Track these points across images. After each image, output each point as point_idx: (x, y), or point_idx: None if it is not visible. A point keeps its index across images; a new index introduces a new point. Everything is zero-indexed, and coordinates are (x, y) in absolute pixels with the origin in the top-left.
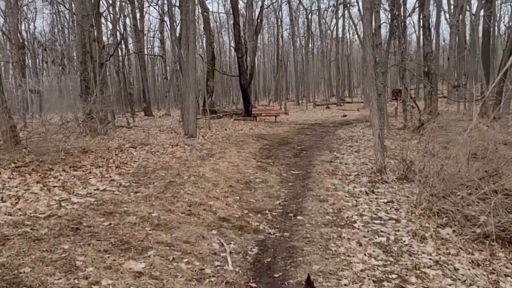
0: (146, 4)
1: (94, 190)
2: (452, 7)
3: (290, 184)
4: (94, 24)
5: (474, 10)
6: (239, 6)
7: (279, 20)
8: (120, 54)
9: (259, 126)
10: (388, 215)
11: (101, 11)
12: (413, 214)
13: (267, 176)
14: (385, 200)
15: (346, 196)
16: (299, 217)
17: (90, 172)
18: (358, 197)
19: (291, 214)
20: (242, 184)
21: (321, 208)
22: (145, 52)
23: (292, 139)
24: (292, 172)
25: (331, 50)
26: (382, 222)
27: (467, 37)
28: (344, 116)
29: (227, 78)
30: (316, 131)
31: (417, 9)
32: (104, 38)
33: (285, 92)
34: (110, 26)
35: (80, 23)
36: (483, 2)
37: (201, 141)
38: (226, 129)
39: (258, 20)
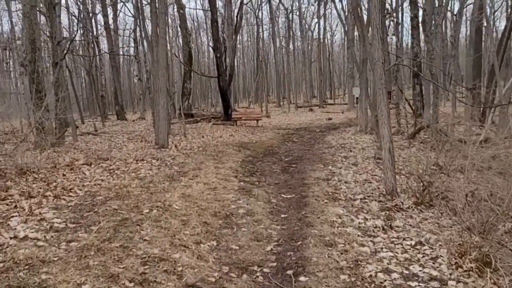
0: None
1: (10, 239)
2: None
3: (283, 216)
4: (47, 16)
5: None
6: (217, 5)
7: (258, 20)
8: (91, 54)
9: (240, 132)
10: (425, 271)
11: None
12: (459, 269)
13: (253, 203)
14: (412, 242)
15: (358, 235)
16: (301, 278)
17: (15, 207)
18: (375, 236)
19: (290, 272)
20: (221, 218)
21: (330, 260)
22: (119, 52)
23: (278, 148)
24: (283, 196)
25: (312, 50)
26: (420, 284)
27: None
28: (329, 119)
29: (206, 80)
30: (303, 137)
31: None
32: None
33: (266, 93)
34: (78, 23)
35: (28, 14)
36: None
37: (173, 152)
38: (203, 136)
39: (238, 17)
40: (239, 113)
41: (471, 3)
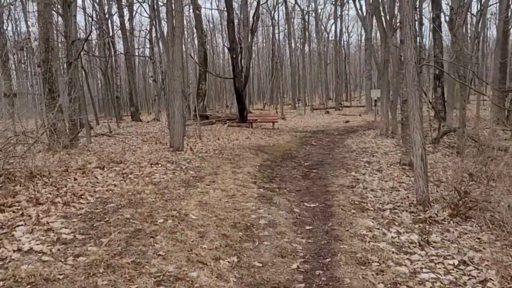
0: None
1: (13, 252)
2: None
3: (308, 227)
4: (61, 15)
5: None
6: (233, 6)
7: (274, 21)
8: (106, 55)
9: (256, 134)
10: None
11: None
12: None
13: (274, 213)
14: (454, 261)
15: (393, 252)
16: None
17: (22, 214)
18: (411, 253)
19: None
20: (241, 230)
21: (365, 282)
22: (135, 53)
23: (296, 151)
24: (306, 205)
25: (328, 52)
26: None
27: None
28: (347, 122)
29: (221, 81)
30: (322, 140)
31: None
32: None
33: (281, 95)
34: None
35: (42, 13)
36: None
37: (189, 155)
38: (219, 139)
39: (254, 18)
40: (255, 115)
41: (495, 3)
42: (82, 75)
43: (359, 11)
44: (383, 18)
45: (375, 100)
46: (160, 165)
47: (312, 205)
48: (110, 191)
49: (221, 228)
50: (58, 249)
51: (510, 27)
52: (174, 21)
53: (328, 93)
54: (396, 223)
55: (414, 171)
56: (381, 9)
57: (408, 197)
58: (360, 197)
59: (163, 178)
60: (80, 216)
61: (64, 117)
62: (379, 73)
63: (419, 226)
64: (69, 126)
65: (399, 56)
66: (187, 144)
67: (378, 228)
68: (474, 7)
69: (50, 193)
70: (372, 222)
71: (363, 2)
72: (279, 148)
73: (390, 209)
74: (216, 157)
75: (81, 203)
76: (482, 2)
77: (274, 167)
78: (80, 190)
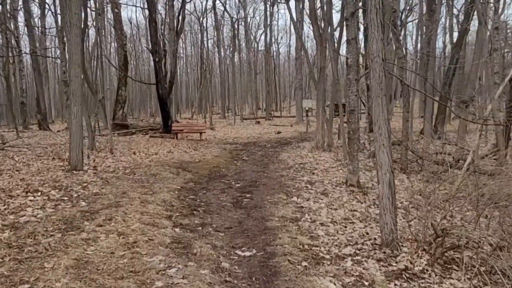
0: None
1: None
2: None
3: None
4: None
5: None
6: (156, 4)
7: (202, 27)
8: (4, 54)
9: (180, 147)
10: None
11: None
12: None
13: (193, 274)
14: None
15: None
16: None
17: None
18: None
19: None
20: None
21: None
22: (43, 53)
23: (226, 168)
24: (240, 253)
25: (257, 61)
26: None
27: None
28: (279, 132)
29: (147, 88)
30: (254, 154)
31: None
32: None
33: (210, 104)
34: None
35: None
36: None
37: (88, 177)
38: (135, 153)
39: (180, 18)
40: (181, 125)
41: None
42: None
43: (293, 16)
44: (319, 22)
45: (307, 111)
46: (40, 193)
47: (248, 253)
48: None
49: None
50: None
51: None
52: (71, 4)
53: (258, 102)
54: (365, 283)
55: (379, 202)
56: (314, 12)
57: (367, 233)
58: (309, 236)
59: (38, 214)
60: None
61: None
62: (314, 82)
63: (395, 285)
64: None
65: (346, 59)
66: (93, 160)
67: None
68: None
69: None
70: (334, 284)
71: (293, 10)
72: (206, 165)
73: (351, 255)
74: (125, 178)
75: None
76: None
77: (198, 191)
78: None
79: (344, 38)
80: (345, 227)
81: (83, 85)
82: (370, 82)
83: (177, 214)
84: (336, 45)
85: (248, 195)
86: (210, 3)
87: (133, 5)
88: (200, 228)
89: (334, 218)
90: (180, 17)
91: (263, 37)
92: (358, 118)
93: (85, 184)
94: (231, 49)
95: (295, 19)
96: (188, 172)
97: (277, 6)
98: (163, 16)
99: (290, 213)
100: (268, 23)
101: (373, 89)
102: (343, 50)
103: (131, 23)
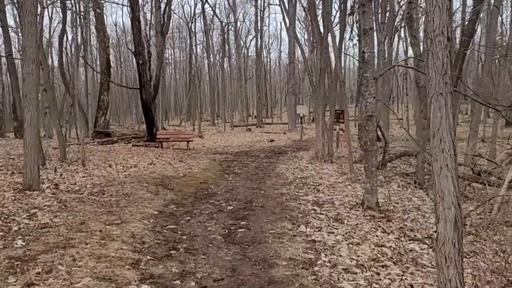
0: None
1: None
2: None
3: None
4: None
5: None
6: (139, 3)
7: (191, 32)
8: None
9: (164, 158)
10: None
11: None
12: None
13: None
14: None
15: None
16: None
17: None
18: None
19: None
20: None
21: None
22: (17, 56)
23: (215, 185)
24: None
25: (247, 67)
26: None
27: None
28: (272, 141)
29: (133, 93)
30: (247, 166)
31: None
32: None
33: (199, 110)
34: None
35: None
36: None
37: (43, 199)
38: (111, 165)
39: (165, 17)
40: (166, 133)
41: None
42: None
43: (286, 17)
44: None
45: (301, 117)
46: None
47: None
48: None
49: None
50: None
51: None
52: None
53: (248, 109)
54: None
55: (438, 248)
56: (314, 8)
57: (412, 286)
58: None
59: None
60: None
61: None
62: (312, 85)
63: None
64: None
65: (362, 52)
66: (60, 175)
67: None
68: None
69: None
70: None
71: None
72: (192, 180)
73: None
74: (90, 200)
75: None
76: None
77: (180, 217)
78: None
79: (344, 39)
80: (378, 274)
81: (55, 90)
82: (427, 71)
83: (149, 257)
84: (338, 43)
85: (243, 223)
86: (199, 6)
87: (113, 2)
88: (178, 282)
89: (360, 260)
90: (165, 16)
91: (253, 42)
92: (376, 125)
93: (35, 210)
94: (221, 54)
95: (286, 26)
96: (169, 191)
97: (268, 9)
98: (149, 18)
99: (300, 253)
100: (259, 28)
101: (432, 83)
102: (342, 49)
103: (116, 25)
